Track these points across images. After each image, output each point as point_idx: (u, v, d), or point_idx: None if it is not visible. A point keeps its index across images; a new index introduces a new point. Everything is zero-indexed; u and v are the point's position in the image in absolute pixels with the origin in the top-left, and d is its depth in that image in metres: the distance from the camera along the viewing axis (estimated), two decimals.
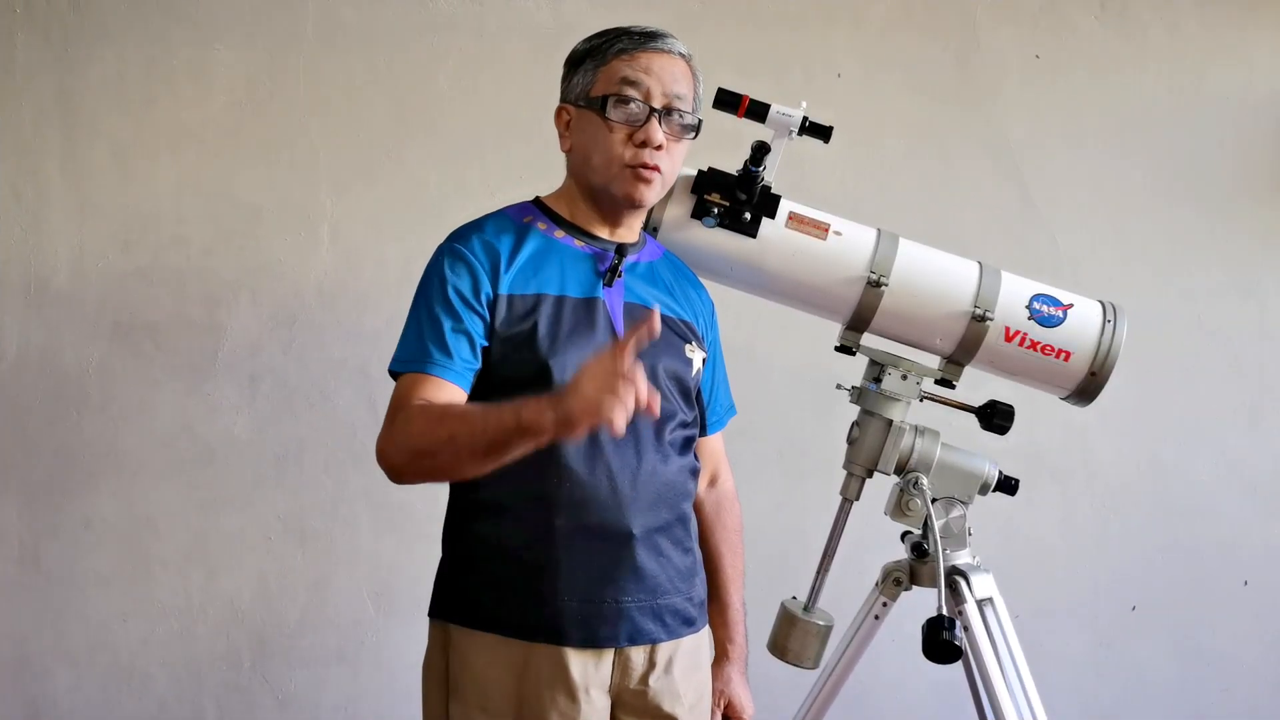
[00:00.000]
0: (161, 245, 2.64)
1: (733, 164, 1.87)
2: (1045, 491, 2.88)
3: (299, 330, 2.68)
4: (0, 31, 2.59)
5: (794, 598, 2.03)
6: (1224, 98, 2.92)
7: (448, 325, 1.62)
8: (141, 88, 2.63)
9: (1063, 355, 1.94)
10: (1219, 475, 2.95)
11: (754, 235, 1.88)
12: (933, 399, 2.01)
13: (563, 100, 1.76)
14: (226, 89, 2.65)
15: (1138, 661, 2.95)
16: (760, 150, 1.81)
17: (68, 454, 2.64)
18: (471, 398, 1.64)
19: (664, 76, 1.68)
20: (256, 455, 2.68)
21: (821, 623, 1.98)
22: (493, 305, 1.64)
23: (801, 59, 2.80)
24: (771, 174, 1.87)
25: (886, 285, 1.90)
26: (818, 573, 2.00)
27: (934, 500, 1.94)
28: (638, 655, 1.69)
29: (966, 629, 1.92)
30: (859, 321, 1.95)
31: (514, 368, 1.64)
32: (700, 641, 1.81)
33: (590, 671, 1.65)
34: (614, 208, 1.73)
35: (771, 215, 1.88)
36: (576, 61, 1.74)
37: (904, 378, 1.98)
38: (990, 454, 2.03)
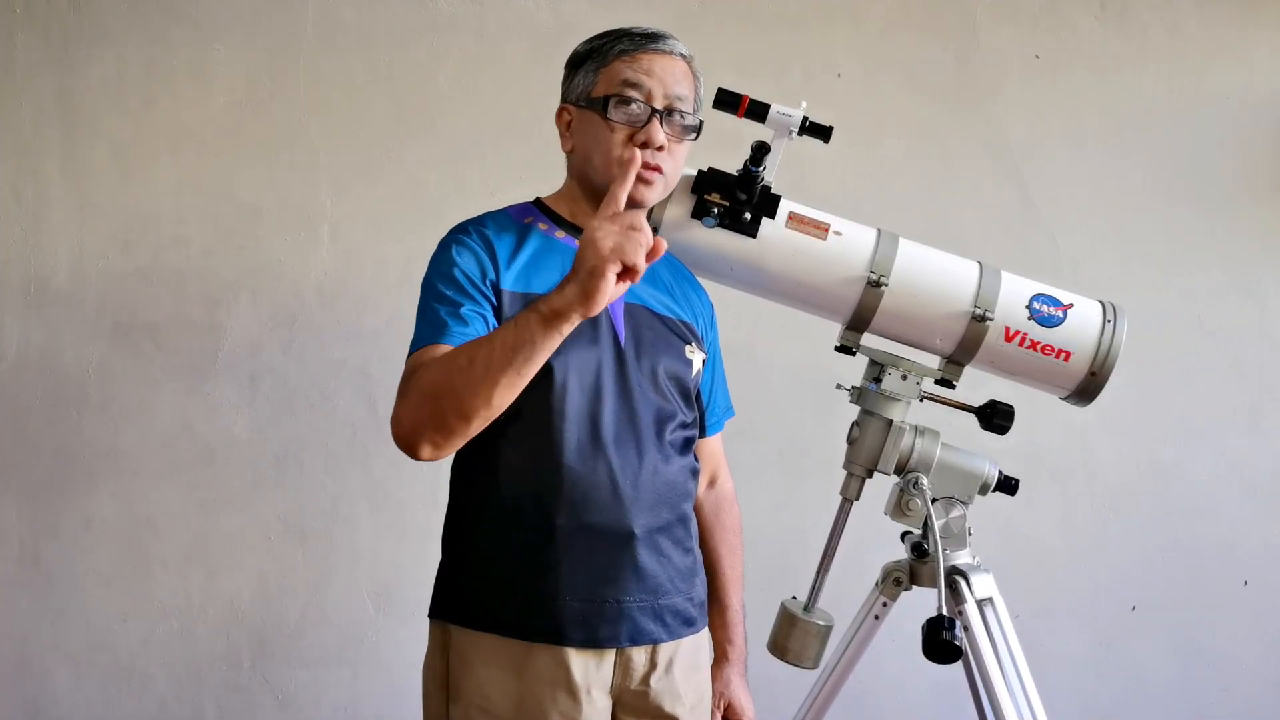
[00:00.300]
0: (161, 245, 2.64)
1: (733, 164, 1.87)
2: (1045, 491, 2.88)
3: (299, 330, 2.68)
4: (0, 31, 2.59)
5: (794, 598, 2.03)
6: (1224, 98, 2.92)
7: (463, 305, 1.59)
8: (141, 88, 2.63)
9: (1063, 355, 1.94)
10: (1219, 475, 2.95)
11: (754, 235, 1.88)
12: (933, 399, 2.01)
13: (564, 101, 1.76)
14: (226, 89, 2.65)
15: (1138, 661, 2.95)
16: (760, 150, 1.81)
17: (68, 454, 2.64)
18: None
19: (665, 77, 1.68)
20: (256, 455, 2.68)
21: (821, 623, 1.98)
22: (497, 294, 1.64)
23: (801, 59, 2.80)
24: (771, 174, 1.87)
25: (886, 285, 1.90)
26: (818, 573, 2.00)
27: (934, 500, 1.94)
28: (639, 655, 1.69)
29: (966, 629, 1.92)
30: (859, 321, 1.94)
31: None
32: (700, 642, 1.81)
33: (591, 672, 1.65)
34: None
35: (771, 215, 1.88)
36: (578, 62, 1.74)
37: (904, 378, 1.97)
38: (990, 454, 2.02)
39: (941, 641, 1.75)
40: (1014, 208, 2.88)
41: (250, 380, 2.67)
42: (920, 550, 2.01)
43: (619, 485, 1.64)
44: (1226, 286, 2.94)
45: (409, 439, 1.53)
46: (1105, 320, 1.95)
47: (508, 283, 1.66)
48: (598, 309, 1.41)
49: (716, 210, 1.86)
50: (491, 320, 1.62)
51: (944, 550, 1.90)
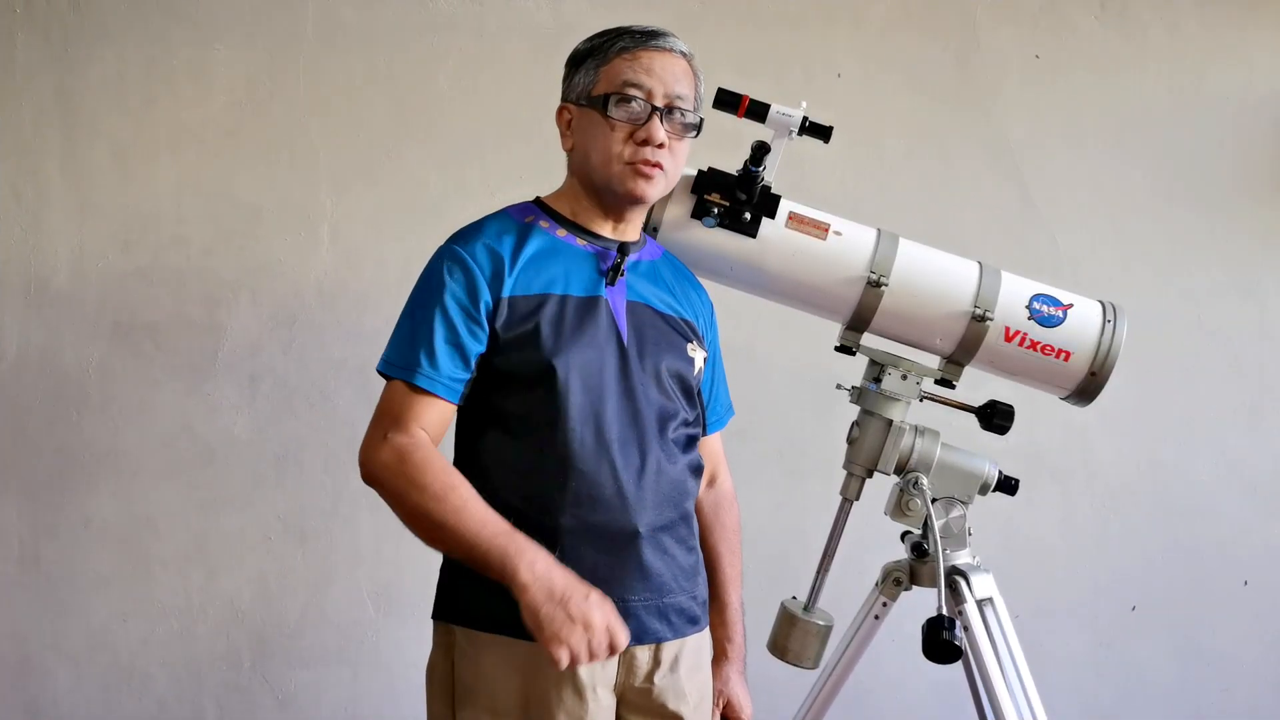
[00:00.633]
0: (161, 245, 2.64)
1: (733, 164, 1.87)
2: (1045, 491, 2.88)
3: (299, 330, 2.68)
4: (0, 31, 2.60)
5: (794, 598, 2.03)
6: (1224, 98, 2.92)
7: (441, 335, 1.62)
8: (141, 88, 2.63)
9: (1063, 355, 1.94)
10: (1219, 475, 2.95)
11: (754, 235, 1.88)
12: (933, 399, 2.01)
13: (564, 99, 1.76)
14: (226, 89, 2.65)
15: (1138, 661, 2.95)
16: (760, 150, 1.81)
17: (68, 454, 2.64)
18: (474, 394, 1.65)
19: (665, 75, 1.68)
20: (256, 455, 2.68)
21: (821, 623, 1.98)
22: (493, 311, 1.64)
23: (801, 59, 2.80)
24: (771, 174, 1.87)
25: (886, 285, 1.90)
26: (818, 573, 2.00)
27: (934, 500, 1.94)
28: (643, 654, 1.69)
29: (966, 629, 1.92)
30: (859, 321, 1.95)
31: (518, 366, 1.64)
32: (703, 640, 1.81)
33: (596, 670, 1.65)
34: (616, 205, 1.73)
35: (771, 215, 1.88)
36: (578, 61, 1.74)
37: (904, 378, 1.98)
38: (990, 454, 2.03)
39: (941, 641, 1.75)
40: (1014, 208, 2.88)
41: (250, 380, 2.67)
42: (920, 550, 2.01)
43: (623, 484, 1.64)
44: (1226, 286, 2.94)
45: (369, 482, 1.65)
46: (1105, 320, 1.95)
47: (511, 289, 1.65)
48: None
49: (716, 210, 1.87)
50: (476, 348, 1.63)
51: (944, 550, 1.90)
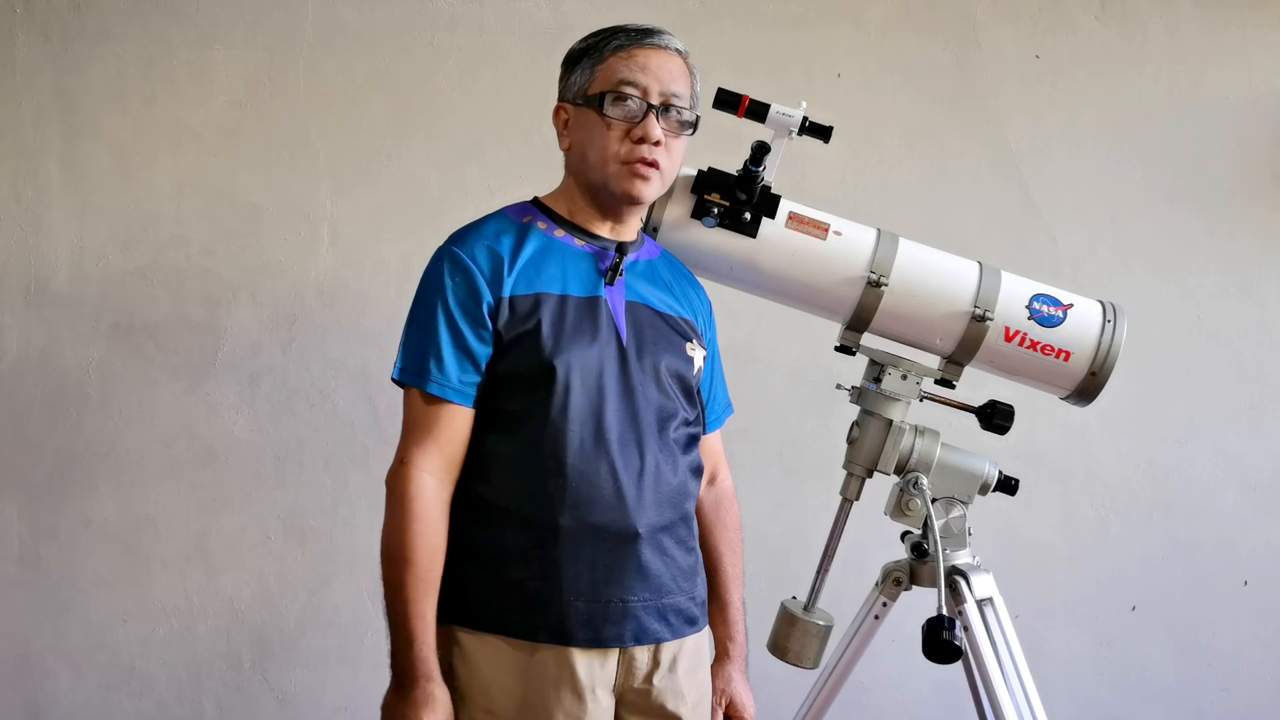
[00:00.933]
0: (161, 245, 2.64)
1: (733, 164, 1.87)
2: (1045, 491, 2.88)
3: (299, 330, 2.68)
4: (0, 31, 2.59)
5: (794, 598, 2.03)
6: (1224, 98, 2.92)
7: (447, 340, 1.63)
8: (141, 88, 2.63)
9: (1063, 355, 1.94)
10: (1219, 475, 2.95)
11: (754, 235, 1.88)
12: (933, 399, 2.01)
13: (561, 99, 1.76)
14: (226, 89, 2.65)
15: (1138, 661, 2.95)
16: (760, 150, 1.81)
17: (68, 454, 2.64)
18: (480, 392, 1.65)
19: (661, 74, 1.68)
20: (256, 455, 2.68)
21: (821, 623, 1.98)
22: (495, 311, 1.64)
23: (801, 59, 2.80)
24: (771, 174, 1.87)
25: (886, 285, 1.90)
26: (818, 573, 2.00)
27: (934, 500, 1.94)
28: (642, 655, 1.69)
29: (966, 629, 1.92)
30: (859, 321, 1.94)
31: (517, 366, 1.64)
32: (702, 641, 1.81)
33: (596, 671, 1.65)
34: (614, 205, 1.73)
35: (771, 215, 1.88)
36: (574, 60, 1.74)
37: (904, 378, 1.98)
38: (990, 454, 2.02)
39: (941, 641, 1.75)
40: (1014, 208, 2.88)
41: (250, 380, 2.67)
42: (920, 550, 2.01)
43: (622, 485, 1.64)
44: (1226, 286, 2.94)
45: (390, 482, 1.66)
46: (1105, 320, 1.95)
47: (510, 289, 1.65)
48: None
49: (716, 210, 1.87)
50: (483, 350, 1.64)
51: (944, 550, 1.90)
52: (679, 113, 1.70)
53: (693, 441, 1.78)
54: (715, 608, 1.87)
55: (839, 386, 2.04)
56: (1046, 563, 2.90)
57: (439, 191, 2.69)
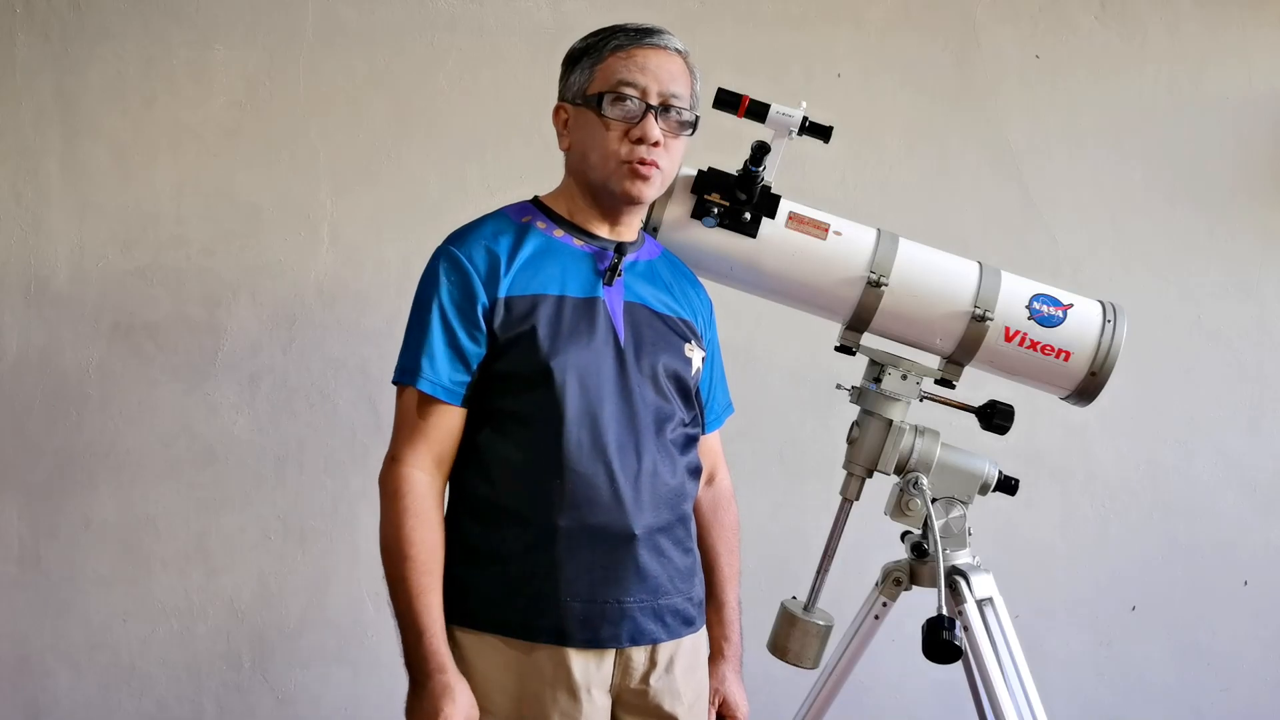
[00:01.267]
0: (161, 245, 2.64)
1: (733, 164, 1.87)
2: (1045, 491, 2.88)
3: (299, 330, 2.68)
4: (0, 31, 2.59)
5: (794, 598, 2.03)
6: (1224, 98, 2.92)
7: (439, 339, 1.64)
8: (141, 88, 2.63)
9: (1063, 355, 1.94)
10: (1219, 475, 2.95)
11: (754, 235, 1.88)
12: (933, 399, 2.01)
13: (560, 99, 1.76)
14: (226, 89, 2.65)
15: (1138, 661, 2.95)
16: (760, 150, 1.81)
17: (68, 454, 2.64)
18: (473, 394, 1.66)
19: (660, 74, 1.68)
20: (256, 455, 2.68)
21: (821, 623, 1.98)
22: (490, 312, 1.64)
23: (801, 59, 2.80)
24: (771, 174, 1.87)
25: (886, 285, 1.90)
26: (818, 573, 2.00)
27: (934, 500, 1.94)
28: (639, 655, 1.69)
29: (966, 629, 1.92)
30: (859, 321, 1.94)
31: (515, 367, 1.64)
32: (699, 641, 1.81)
33: (592, 671, 1.65)
34: (613, 205, 1.73)
35: (771, 215, 1.88)
36: (573, 60, 1.74)
37: (904, 378, 1.98)
38: (990, 454, 2.02)
39: (941, 641, 1.75)
40: (1014, 208, 2.88)
41: (250, 380, 2.67)
42: (920, 550, 2.01)
43: (619, 486, 1.64)
44: (1226, 286, 2.94)
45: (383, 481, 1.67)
46: (1105, 320, 1.95)
47: (507, 289, 1.65)
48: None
49: (716, 210, 1.87)
50: (477, 351, 1.64)
51: (944, 550, 1.90)
52: (678, 113, 1.69)
53: (691, 442, 1.78)
54: (711, 607, 1.87)
55: (839, 386, 2.04)
56: (1046, 563, 2.90)
57: (439, 191, 2.69)
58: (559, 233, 1.73)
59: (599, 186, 1.71)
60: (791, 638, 1.98)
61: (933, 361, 2.01)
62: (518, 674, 1.63)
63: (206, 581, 2.68)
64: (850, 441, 2.01)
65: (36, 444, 2.64)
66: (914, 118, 2.85)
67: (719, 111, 1.85)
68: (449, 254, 1.67)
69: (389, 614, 1.63)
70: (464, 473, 1.69)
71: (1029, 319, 1.93)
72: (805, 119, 1.84)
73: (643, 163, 1.67)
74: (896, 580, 2.02)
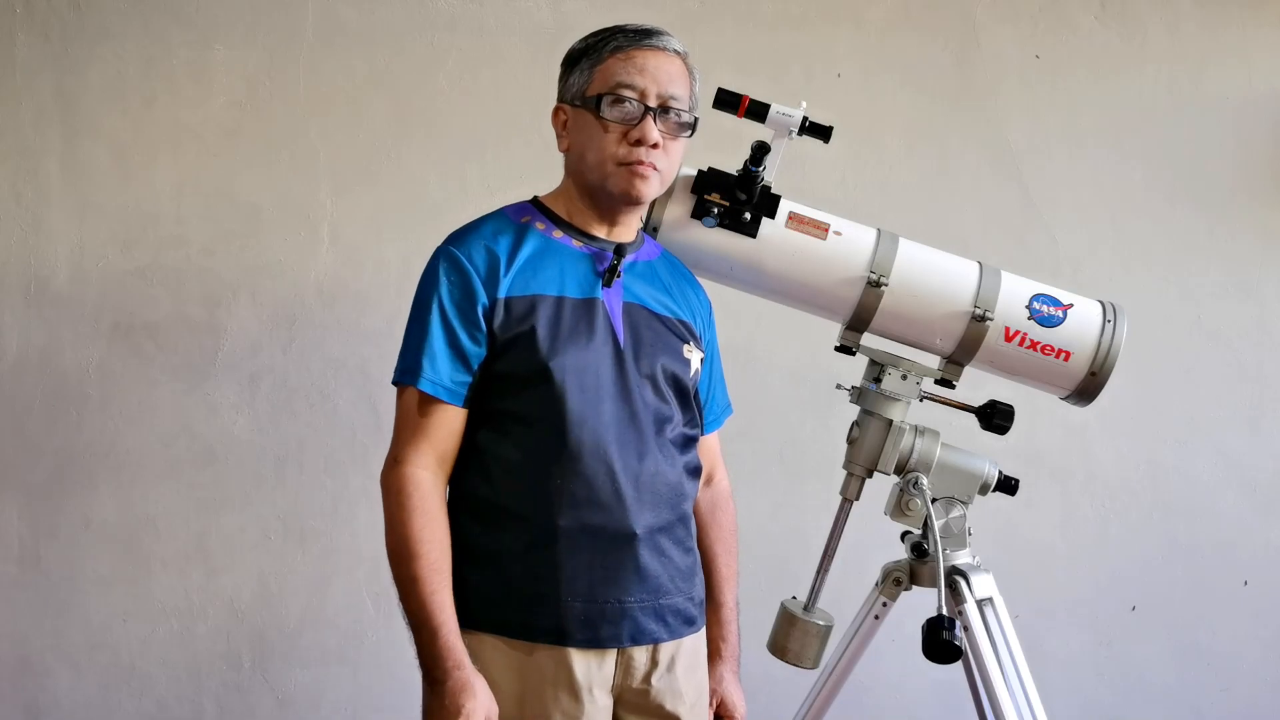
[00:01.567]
0: (161, 245, 2.64)
1: (733, 164, 1.87)
2: (1045, 491, 2.88)
3: (299, 330, 2.68)
4: (0, 31, 2.59)
5: (794, 598, 2.03)
6: (1224, 98, 2.92)
7: (440, 339, 1.63)
8: (141, 88, 2.63)
9: (1063, 355, 1.94)
10: (1219, 475, 2.95)
11: (754, 235, 1.88)
12: (933, 399, 2.01)
13: (560, 100, 1.76)
14: (226, 89, 2.65)
15: (1138, 661, 2.95)
16: (760, 150, 1.81)
17: (68, 454, 2.64)
18: (473, 395, 1.66)
19: (659, 75, 1.68)
20: (256, 455, 2.68)
21: (821, 623, 1.98)
22: (490, 312, 1.64)
23: (801, 59, 2.80)
24: (771, 174, 1.87)
25: (886, 285, 1.90)
26: (818, 573, 2.00)
27: (934, 500, 1.94)
28: (640, 655, 1.69)
29: (966, 629, 1.92)
30: (859, 321, 1.95)
31: (514, 367, 1.64)
32: (700, 641, 1.81)
33: (593, 671, 1.65)
34: (612, 206, 1.73)
35: (771, 215, 1.88)
36: (573, 61, 1.74)
37: (904, 378, 1.98)
38: (990, 454, 2.02)
39: (941, 641, 1.75)
40: (1014, 208, 2.88)
41: (250, 380, 2.67)
42: (920, 550, 2.01)
43: (620, 486, 1.64)
44: (1226, 286, 2.94)
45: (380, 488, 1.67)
46: (1105, 320, 1.95)
47: (506, 290, 1.65)
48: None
49: (716, 210, 1.87)
50: (477, 351, 1.64)
51: (944, 550, 1.90)
52: (677, 115, 1.69)
53: (690, 442, 1.78)
54: (709, 608, 1.87)
55: (839, 386, 2.04)
56: (1046, 563, 2.90)
57: (439, 191, 2.69)
58: (558, 233, 1.73)
59: (597, 188, 1.71)
60: (791, 638, 1.98)
61: (933, 361, 2.01)
62: (519, 674, 1.63)
63: (206, 581, 2.68)
64: (850, 441, 2.01)
65: (36, 444, 2.64)
66: (914, 118, 2.85)
67: (719, 111, 1.85)
68: (449, 254, 1.67)
69: (389, 614, 1.64)
70: (464, 473, 1.69)
71: (1029, 319, 1.93)
72: (805, 119, 1.84)
73: (640, 164, 1.66)
74: (896, 580, 2.02)
